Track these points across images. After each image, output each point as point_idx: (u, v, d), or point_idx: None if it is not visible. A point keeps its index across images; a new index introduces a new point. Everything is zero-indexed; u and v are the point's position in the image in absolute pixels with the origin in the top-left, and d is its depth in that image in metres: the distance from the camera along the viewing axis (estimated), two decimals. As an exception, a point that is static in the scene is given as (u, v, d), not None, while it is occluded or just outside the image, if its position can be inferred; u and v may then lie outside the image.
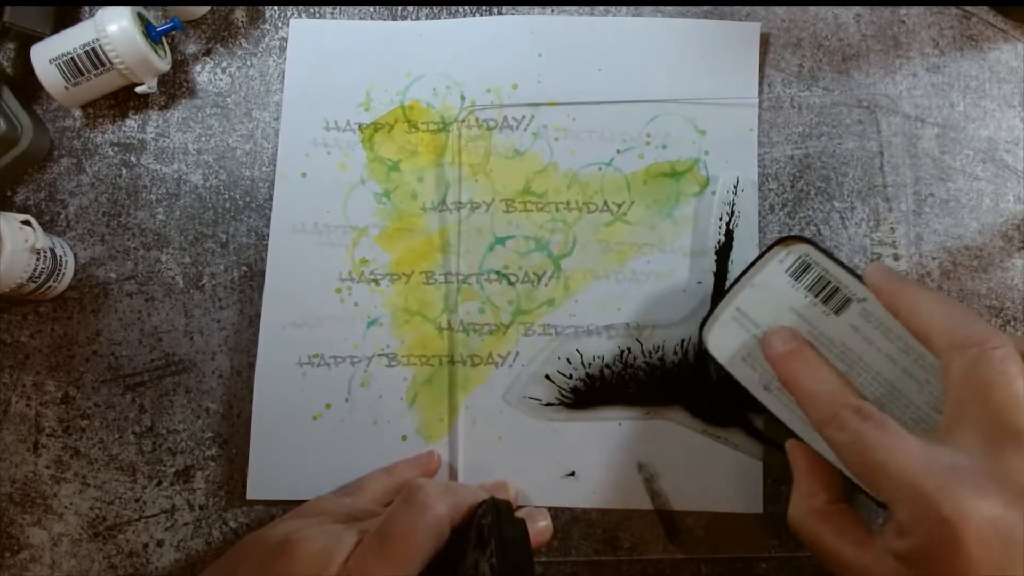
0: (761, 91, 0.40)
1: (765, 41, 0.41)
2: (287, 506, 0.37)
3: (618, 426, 0.38)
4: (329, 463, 0.38)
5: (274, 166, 0.41)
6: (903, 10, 0.41)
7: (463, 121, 0.40)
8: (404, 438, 0.38)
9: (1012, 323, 0.39)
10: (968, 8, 0.41)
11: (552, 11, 0.41)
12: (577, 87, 0.40)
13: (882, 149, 0.40)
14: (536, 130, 0.40)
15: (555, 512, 0.37)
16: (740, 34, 0.40)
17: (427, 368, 0.39)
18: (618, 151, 0.40)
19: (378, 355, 0.39)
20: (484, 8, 0.41)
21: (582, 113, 0.40)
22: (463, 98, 0.40)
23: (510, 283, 0.39)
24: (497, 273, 0.39)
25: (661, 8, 0.41)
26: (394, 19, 0.42)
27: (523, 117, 0.40)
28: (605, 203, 0.40)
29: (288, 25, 0.42)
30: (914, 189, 0.40)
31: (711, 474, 0.37)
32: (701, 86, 0.40)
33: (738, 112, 0.40)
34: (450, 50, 0.41)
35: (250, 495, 0.38)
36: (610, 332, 0.39)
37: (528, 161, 0.40)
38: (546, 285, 0.39)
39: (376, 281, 0.39)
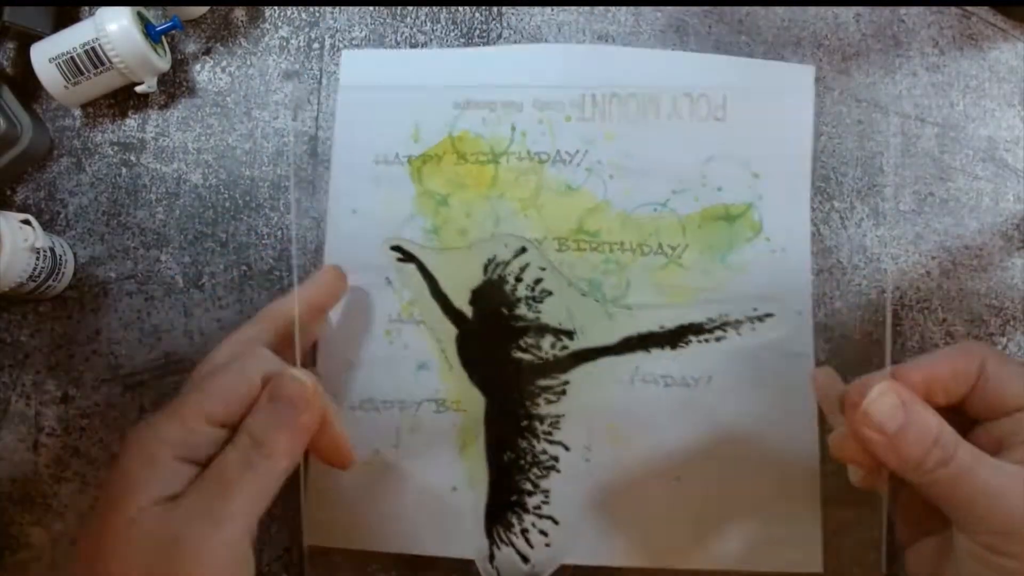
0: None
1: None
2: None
3: (676, 481, 0.36)
4: (381, 511, 0.36)
5: (273, 165, 0.41)
6: (903, 10, 0.41)
7: (514, 153, 0.39)
8: (454, 489, 0.36)
9: (1012, 323, 0.39)
10: (968, 8, 0.41)
11: (609, 43, 0.41)
12: (632, 124, 0.39)
13: (882, 149, 0.40)
14: (590, 165, 0.39)
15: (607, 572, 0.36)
16: (793, 76, 0.39)
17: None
18: (673, 192, 0.38)
19: (427, 400, 0.37)
20: (484, 8, 0.41)
21: (637, 150, 0.39)
22: (514, 128, 0.39)
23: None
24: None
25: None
26: (443, 46, 0.41)
27: (576, 151, 0.39)
28: (660, 245, 0.38)
29: (338, 58, 0.41)
30: (914, 189, 0.40)
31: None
32: (755, 129, 0.39)
33: (792, 156, 0.39)
34: (501, 79, 0.40)
35: (308, 541, 0.36)
36: (666, 380, 0.37)
37: (581, 198, 0.38)
38: None
39: (424, 323, 0.38)
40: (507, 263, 0.36)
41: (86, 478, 0.39)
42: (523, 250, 0.37)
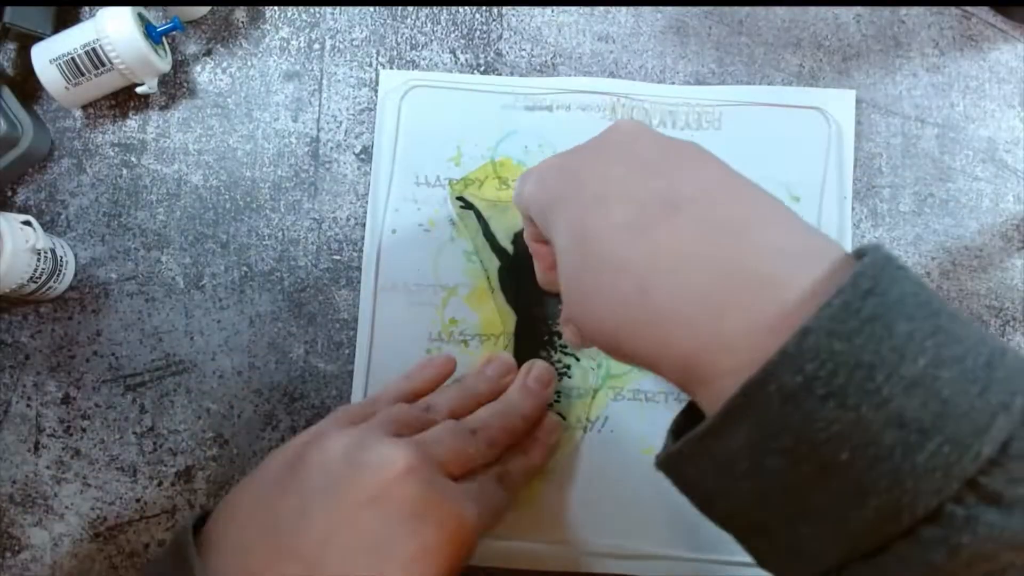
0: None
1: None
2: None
3: None
4: None
5: (274, 167, 0.41)
6: (903, 10, 0.41)
7: None
8: None
9: (1012, 323, 0.39)
10: (968, 8, 0.41)
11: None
12: None
13: (882, 149, 0.40)
14: None
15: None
16: (835, 100, 0.40)
17: None
18: None
19: None
20: (485, 8, 0.41)
21: None
22: None
23: None
24: None
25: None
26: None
27: None
28: None
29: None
30: (914, 189, 0.40)
31: None
32: (796, 152, 0.40)
33: (833, 180, 0.39)
34: (544, 107, 0.40)
35: None
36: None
37: None
38: None
39: (465, 342, 0.39)
40: None
41: (87, 479, 0.39)
42: None
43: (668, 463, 0.25)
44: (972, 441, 0.20)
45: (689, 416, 0.27)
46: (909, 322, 0.21)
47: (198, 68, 0.42)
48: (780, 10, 0.41)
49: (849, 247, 0.39)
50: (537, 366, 0.37)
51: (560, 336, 0.39)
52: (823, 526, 0.21)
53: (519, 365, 0.38)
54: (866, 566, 0.21)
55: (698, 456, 0.23)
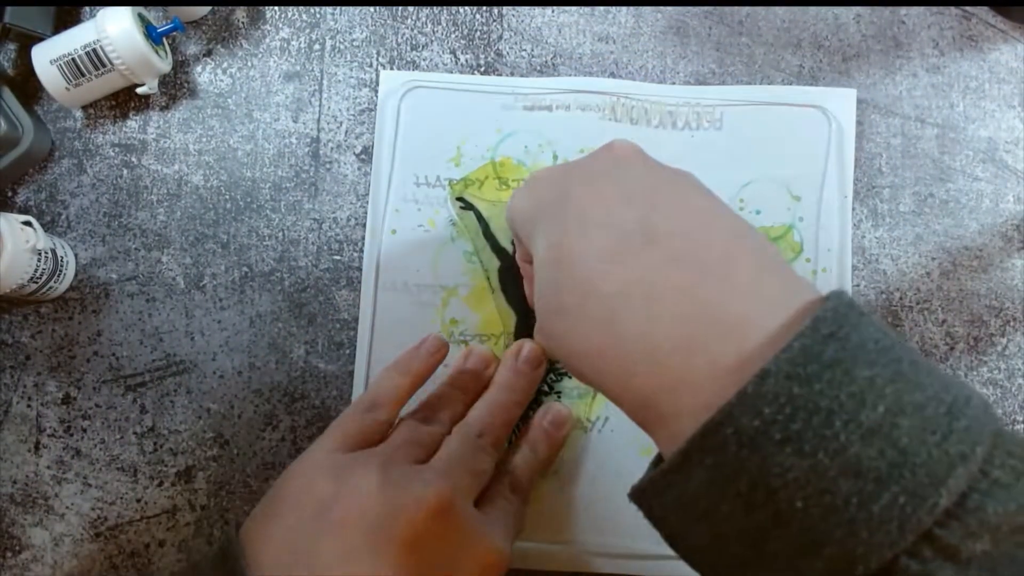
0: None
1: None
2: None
3: None
4: None
5: (275, 167, 0.41)
6: (903, 10, 0.41)
7: None
8: None
9: (1012, 323, 0.39)
10: (968, 8, 0.41)
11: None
12: (673, 152, 0.39)
13: (882, 149, 0.40)
14: None
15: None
16: (835, 99, 0.40)
17: (514, 431, 0.38)
18: None
19: None
20: (485, 9, 0.41)
21: None
22: (555, 157, 0.40)
23: None
24: None
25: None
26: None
27: None
28: None
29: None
30: (914, 189, 0.40)
31: None
32: (796, 151, 0.40)
33: (834, 178, 0.40)
34: (544, 107, 0.40)
35: None
36: None
37: None
38: None
39: (466, 342, 0.39)
40: None
41: (87, 479, 0.39)
42: None
43: (637, 496, 0.24)
44: (929, 492, 0.19)
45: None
46: (870, 368, 0.20)
47: (198, 68, 0.42)
48: (780, 10, 0.41)
49: (849, 247, 0.39)
50: (526, 347, 0.37)
51: None
52: (780, 572, 0.21)
53: None
54: None
55: (661, 493, 0.23)
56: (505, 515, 0.32)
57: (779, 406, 0.20)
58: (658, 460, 0.26)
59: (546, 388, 0.39)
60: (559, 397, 0.39)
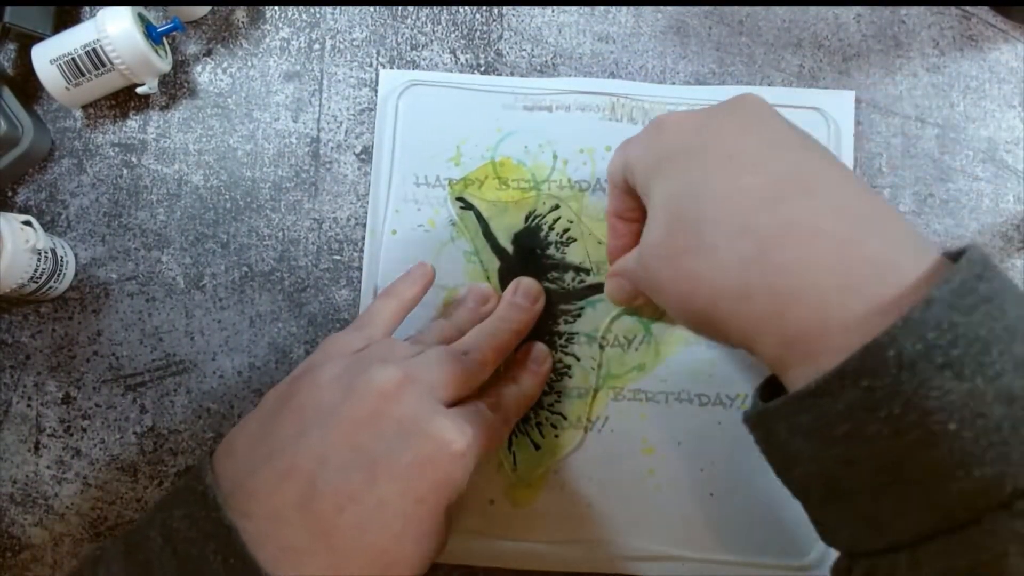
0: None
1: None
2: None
3: (710, 496, 0.38)
4: None
5: (275, 167, 0.41)
6: (903, 10, 0.41)
7: (555, 181, 0.40)
8: (492, 502, 0.38)
9: (1012, 323, 0.39)
10: (968, 8, 0.41)
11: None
12: None
13: (882, 149, 0.40)
14: None
15: None
16: (834, 101, 0.40)
17: (516, 430, 0.39)
18: None
19: None
20: (485, 9, 0.41)
21: None
22: (555, 157, 0.40)
23: (600, 347, 0.39)
24: (587, 336, 0.39)
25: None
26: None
27: None
28: None
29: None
30: (914, 189, 0.40)
31: None
32: None
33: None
34: (543, 107, 0.40)
35: None
36: (701, 400, 0.38)
37: None
38: (636, 350, 0.39)
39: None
40: (543, 215, 0.40)
41: (87, 479, 0.39)
42: (557, 207, 0.40)
43: (758, 419, 0.25)
44: None
45: (771, 389, 0.28)
46: (1018, 307, 0.22)
47: (198, 68, 0.42)
48: (780, 10, 0.41)
49: None
50: (524, 282, 0.38)
51: (560, 335, 0.39)
52: (912, 497, 0.22)
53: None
54: (948, 540, 0.22)
55: (794, 415, 0.24)
56: (473, 416, 0.31)
57: (941, 331, 0.21)
58: (768, 392, 0.27)
59: (546, 388, 0.39)
60: (559, 397, 0.39)
